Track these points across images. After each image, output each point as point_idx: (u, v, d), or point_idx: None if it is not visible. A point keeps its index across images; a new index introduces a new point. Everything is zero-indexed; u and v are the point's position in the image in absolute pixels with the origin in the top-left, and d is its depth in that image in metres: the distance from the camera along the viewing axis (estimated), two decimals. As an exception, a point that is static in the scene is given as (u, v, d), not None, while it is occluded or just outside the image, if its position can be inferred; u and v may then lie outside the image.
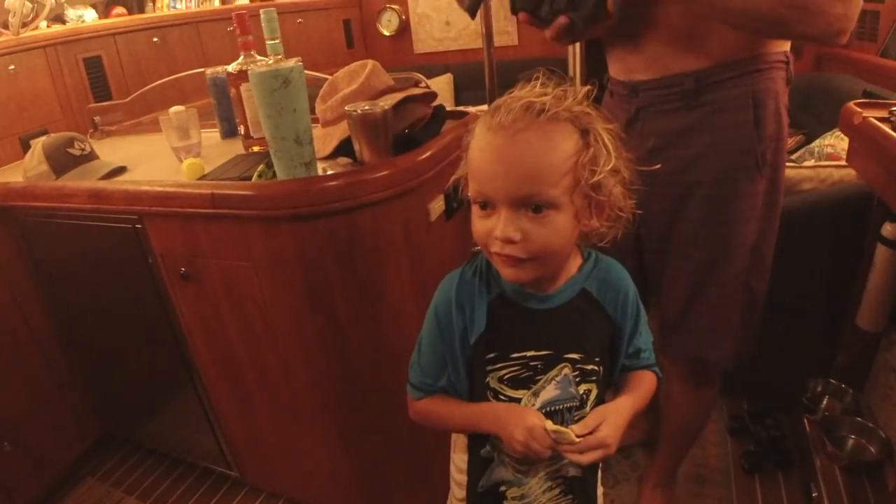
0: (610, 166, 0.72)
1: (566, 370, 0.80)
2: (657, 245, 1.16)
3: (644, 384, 0.88)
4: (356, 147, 1.18)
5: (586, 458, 0.75)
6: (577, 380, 0.81)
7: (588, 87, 0.75)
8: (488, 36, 1.48)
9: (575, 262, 0.83)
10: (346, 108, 1.15)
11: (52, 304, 1.70)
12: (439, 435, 1.39)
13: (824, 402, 1.57)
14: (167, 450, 1.88)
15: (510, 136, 0.69)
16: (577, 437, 0.75)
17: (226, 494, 1.75)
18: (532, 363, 0.80)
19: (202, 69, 1.80)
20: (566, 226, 0.72)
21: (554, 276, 0.80)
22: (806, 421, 1.55)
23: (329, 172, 1.19)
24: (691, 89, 1.01)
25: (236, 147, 1.60)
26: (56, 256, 1.59)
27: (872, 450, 1.39)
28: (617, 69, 1.13)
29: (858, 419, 1.45)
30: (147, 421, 1.83)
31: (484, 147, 0.72)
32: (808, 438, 1.51)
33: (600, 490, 0.96)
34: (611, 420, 0.77)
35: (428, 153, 1.20)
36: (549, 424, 0.75)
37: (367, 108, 1.13)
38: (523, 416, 0.77)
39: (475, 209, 0.75)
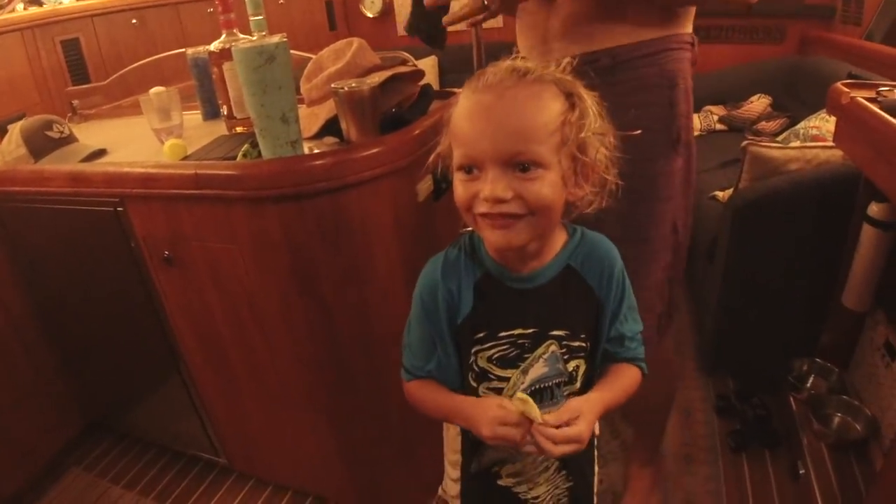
0: (597, 125, 0.72)
1: (553, 347, 0.80)
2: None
3: (623, 379, 0.85)
4: (343, 125, 1.16)
5: (558, 451, 0.73)
6: (565, 356, 0.81)
7: (568, 59, 0.76)
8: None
9: (560, 239, 0.82)
10: (332, 85, 1.12)
11: (31, 292, 1.66)
12: (429, 419, 1.39)
13: (810, 380, 1.59)
14: (153, 438, 1.86)
15: (498, 95, 0.69)
16: (548, 423, 0.73)
17: (213, 482, 1.73)
18: (520, 341, 0.80)
19: (182, 50, 1.76)
20: (554, 184, 0.71)
21: (538, 248, 0.79)
22: (792, 400, 1.57)
23: (315, 152, 1.17)
24: (608, 65, 1.02)
25: (218, 129, 1.57)
26: (36, 242, 1.55)
27: (858, 427, 1.41)
28: (531, 38, 1.12)
29: (844, 397, 1.47)
30: (132, 409, 1.81)
31: (471, 108, 0.71)
32: (794, 417, 1.52)
33: (596, 468, 0.96)
34: (587, 414, 0.76)
35: (417, 132, 1.18)
36: (518, 394, 0.74)
37: (354, 85, 1.11)
38: (486, 409, 0.76)
39: (459, 175, 0.73)
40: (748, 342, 1.76)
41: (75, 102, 2.02)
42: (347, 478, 1.46)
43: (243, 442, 1.60)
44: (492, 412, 0.75)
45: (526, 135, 0.69)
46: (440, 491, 1.07)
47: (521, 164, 0.69)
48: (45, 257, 1.57)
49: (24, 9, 2.10)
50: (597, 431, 0.94)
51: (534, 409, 0.72)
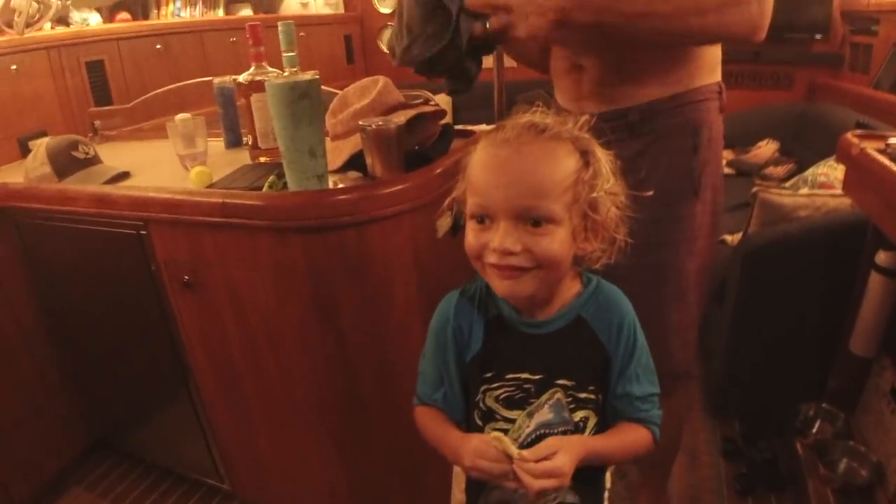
0: (608, 185, 0.75)
1: (558, 395, 0.80)
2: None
3: (622, 435, 0.83)
4: (368, 161, 1.19)
5: (538, 484, 0.72)
6: (571, 406, 0.81)
7: (586, 116, 0.78)
8: (499, 56, 1.51)
9: (573, 289, 0.83)
10: (360, 122, 1.16)
11: (45, 308, 1.68)
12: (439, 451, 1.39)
13: (816, 425, 1.59)
14: (157, 460, 1.85)
15: (515, 150, 0.72)
16: (525, 458, 0.73)
17: (215, 507, 1.73)
18: (525, 385, 0.81)
19: (206, 78, 1.81)
20: (564, 240, 0.73)
21: (548, 297, 0.80)
22: (798, 444, 1.57)
23: (340, 186, 1.19)
24: (636, 121, 1.05)
25: (240, 157, 1.60)
26: (53, 259, 1.57)
27: (864, 473, 1.41)
28: (566, 98, 1.15)
29: (850, 443, 1.47)
30: (138, 430, 1.81)
31: (487, 161, 0.74)
32: (800, 461, 1.52)
33: None
34: (566, 450, 0.75)
35: (439, 170, 1.21)
36: (494, 434, 0.75)
37: (381, 123, 1.14)
38: (469, 441, 0.78)
39: (471, 224, 0.76)
40: (755, 386, 1.76)
41: (97, 123, 2.06)
42: (354, 507, 1.45)
43: (249, 468, 1.60)
44: (472, 444, 0.76)
45: (539, 191, 0.71)
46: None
47: (532, 219, 0.71)
48: (61, 274, 1.59)
49: (52, 28, 2.15)
50: (608, 484, 0.94)
51: (509, 446, 0.73)
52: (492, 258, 0.73)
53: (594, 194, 0.73)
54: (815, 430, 1.59)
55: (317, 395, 1.32)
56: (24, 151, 1.84)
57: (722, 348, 1.76)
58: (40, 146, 1.52)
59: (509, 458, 0.74)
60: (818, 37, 2.82)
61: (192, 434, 1.59)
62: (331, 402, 1.32)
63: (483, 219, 0.73)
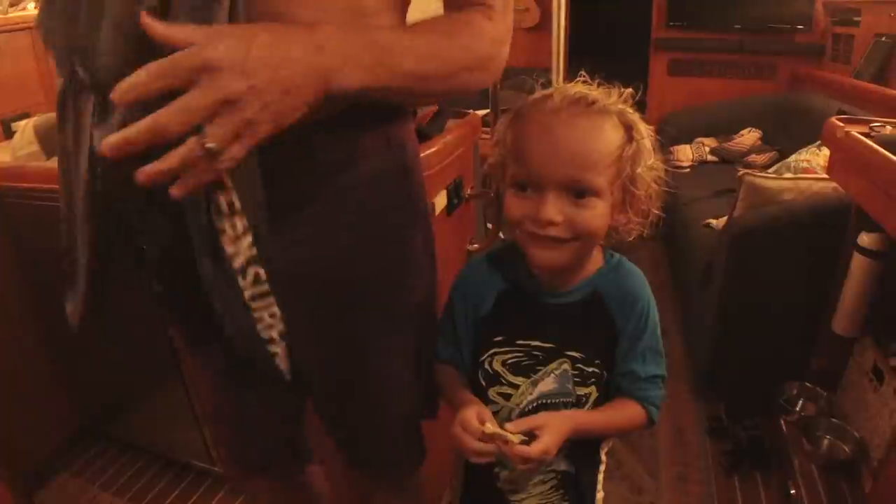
0: (650, 162, 0.76)
1: (566, 366, 0.82)
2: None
3: (616, 410, 0.84)
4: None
5: (525, 468, 0.75)
6: (577, 379, 0.82)
7: (630, 89, 0.78)
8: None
9: (595, 263, 0.84)
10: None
11: (30, 289, 1.65)
12: (439, 435, 1.39)
13: (800, 404, 1.64)
14: (146, 445, 1.83)
15: (564, 121, 0.72)
16: (514, 434, 0.74)
17: (207, 491, 1.71)
18: (534, 352, 0.82)
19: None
20: (604, 214, 0.75)
21: (575, 268, 0.82)
22: (783, 422, 1.61)
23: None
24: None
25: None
26: (40, 240, 1.54)
27: (847, 449, 1.45)
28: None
29: (833, 420, 1.52)
30: (127, 414, 1.79)
31: (537, 130, 0.74)
32: (785, 439, 1.56)
33: (600, 494, 0.94)
34: (552, 427, 0.76)
35: (435, 148, 1.21)
36: (489, 427, 0.75)
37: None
38: (463, 408, 0.79)
39: (512, 192, 0.77)
40: (740, 366, 1.80)
41: (81, 105, 2.02)
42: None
43: (241, 449, 1.59)
44: (462, 413, 0.78)
45: (586, 164, 0.72)
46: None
47: (577, 191, 0.73)
48: (48, 255, 1.56)
49: (35, 8, 2.11)
50: (603, 459, 0.94)
51: (505, 437, 0.74)
52: (532, 227, 0.74)
53: (638, 170, 0.74)
54: (798, 409, 1.63)
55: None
56: (7, 132, 1.81)
57: (708, 329, 1.79)
58: (28, 124, 1.49)
59: (502, 439, 0.75)
60: (801, 28, 2.87)
61: (184, 418, 1.57)
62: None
63: (525, 187, 0.75)
